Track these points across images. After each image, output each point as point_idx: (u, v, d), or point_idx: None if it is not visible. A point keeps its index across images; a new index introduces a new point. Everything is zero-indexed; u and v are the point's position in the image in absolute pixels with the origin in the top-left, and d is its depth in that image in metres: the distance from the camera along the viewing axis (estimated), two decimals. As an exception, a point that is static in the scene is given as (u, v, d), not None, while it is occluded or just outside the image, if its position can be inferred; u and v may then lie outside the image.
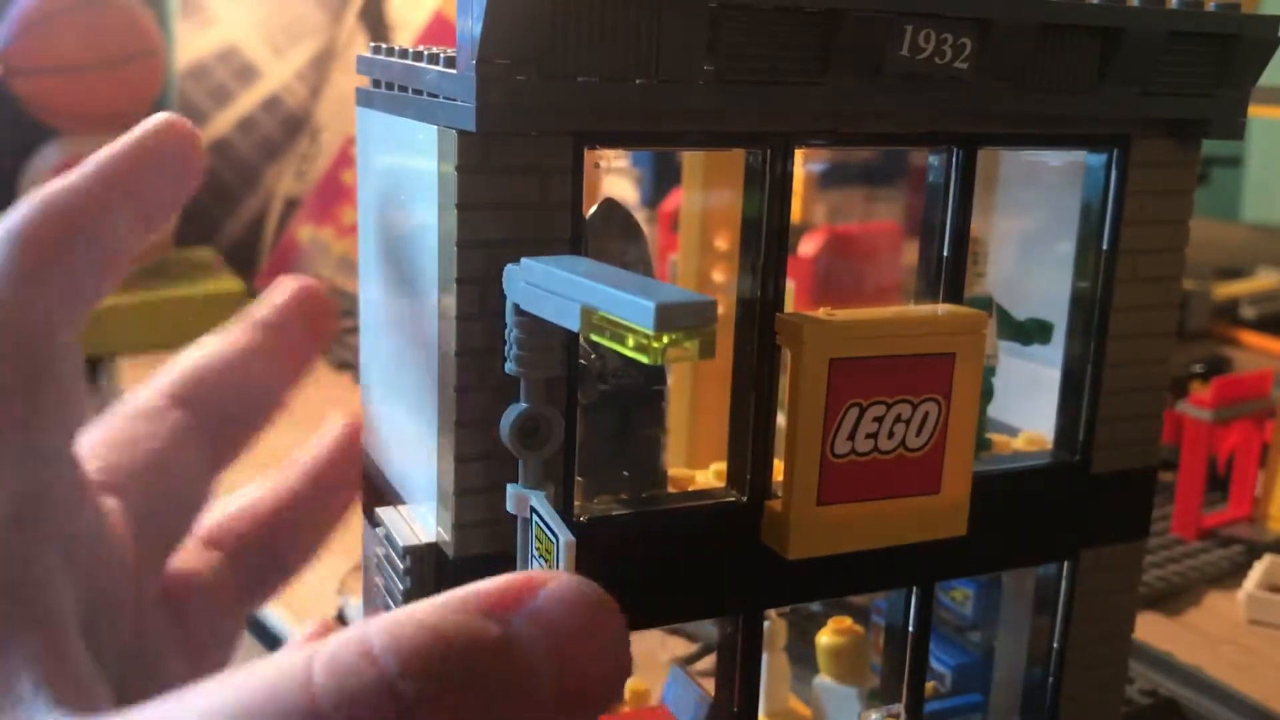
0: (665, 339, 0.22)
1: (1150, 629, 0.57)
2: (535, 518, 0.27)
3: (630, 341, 0.23)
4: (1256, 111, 0.72)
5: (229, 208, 1.24)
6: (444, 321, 0.27)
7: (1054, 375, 0.36)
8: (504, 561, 0.28)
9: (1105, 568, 0.37)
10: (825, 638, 0.40)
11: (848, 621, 0.41)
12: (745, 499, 0.31)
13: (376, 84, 0.32)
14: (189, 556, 0.32)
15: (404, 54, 0.30)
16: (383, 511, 0.31)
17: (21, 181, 1.06)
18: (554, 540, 0.26)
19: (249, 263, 1.23)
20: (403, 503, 0.32)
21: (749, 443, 0.31)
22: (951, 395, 0.31)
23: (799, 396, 0.29)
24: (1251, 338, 1.12)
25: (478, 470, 0.28)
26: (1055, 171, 0.38)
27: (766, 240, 0.30)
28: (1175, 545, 0.66)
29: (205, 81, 1.22)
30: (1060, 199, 0.37)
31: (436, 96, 0.27)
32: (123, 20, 1.04)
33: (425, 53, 0.29)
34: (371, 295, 0.34)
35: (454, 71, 0.27)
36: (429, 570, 0.29)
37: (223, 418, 0.32)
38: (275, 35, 1.25)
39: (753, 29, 0.28)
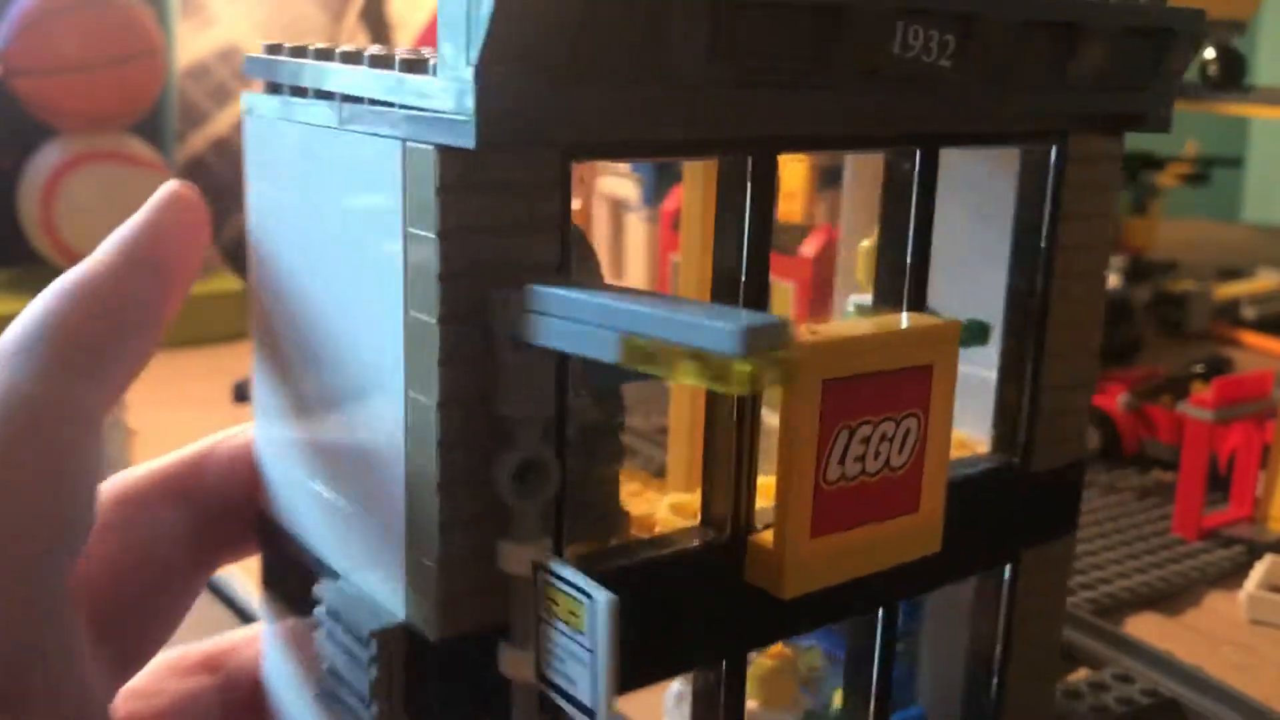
0: (750, 365, 0.20)
1: (1150, 629, 0.57)
2: (548, 577, 0.24)
3: (689, 369, 0.21)
4: (1256, 111, 0.72)
5: (229, 208, 1.24)
6: (415, 368, 0.24)
7: (966, 373, 0.36)
8: (495, 637, 0.25)
9: (1043, 565, 0.37)
10: (754, 663, 0.39)
11: (776, 646, 0.40)
12: (727, 537, 0.29)
13: (276, 88, 0.28)
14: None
15: (329, 55, 0.26)
16: (322, 588, 0.27)
17: (22, 181, 1.06)
18: (585, 600, 0.23)
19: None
20: (334, 577, 0.28)
21: (729, 476, 0.29)
22: (930, 408, 0.30)
23: (792, 422, 0.28)
24: (1252, 338, 1.12)
25: (466, 535, 0.24)
26: (970, 170, 0.37)
27: (750, 251, 0.28)
28: (1176, 545, 0.66)
29: (205, 81, 1.22)
30: (977, 199, 0.36)
31: (396, 106, 0.24)
32: (123, 20, 1.04)
33: (366, 54, 0.25)
34: (276, 338, 0.29)
35: (430, 78, 0.23)
36: (399, 656, 0.25)
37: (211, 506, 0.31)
38: (275, 35, 1.25)
39: (758, 29, 0.26)
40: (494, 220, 0.24)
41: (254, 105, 0.29)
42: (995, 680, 0.37)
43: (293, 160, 0.28)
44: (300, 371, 0.28)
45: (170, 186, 0.29)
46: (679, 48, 0.25)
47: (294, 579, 0.29)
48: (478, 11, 0.22)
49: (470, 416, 0.24)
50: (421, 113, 0.23)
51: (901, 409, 0.29)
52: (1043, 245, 0.34)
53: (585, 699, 0.23)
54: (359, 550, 0.27)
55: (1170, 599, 0.60)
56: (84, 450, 0.26)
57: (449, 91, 0.23)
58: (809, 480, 0.28)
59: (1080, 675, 0.52)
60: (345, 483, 0.27)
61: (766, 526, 0.29)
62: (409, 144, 0.23)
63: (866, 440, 0.29)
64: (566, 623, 0.24)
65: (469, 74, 0.22)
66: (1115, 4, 0.32)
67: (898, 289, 0.32)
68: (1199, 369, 0.92)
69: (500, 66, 0.22)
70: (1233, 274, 1.30)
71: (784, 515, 0.28)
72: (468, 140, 0.22)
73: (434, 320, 0.23)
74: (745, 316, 0.21)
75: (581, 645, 0.23)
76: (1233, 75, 0.71)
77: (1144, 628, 0.57)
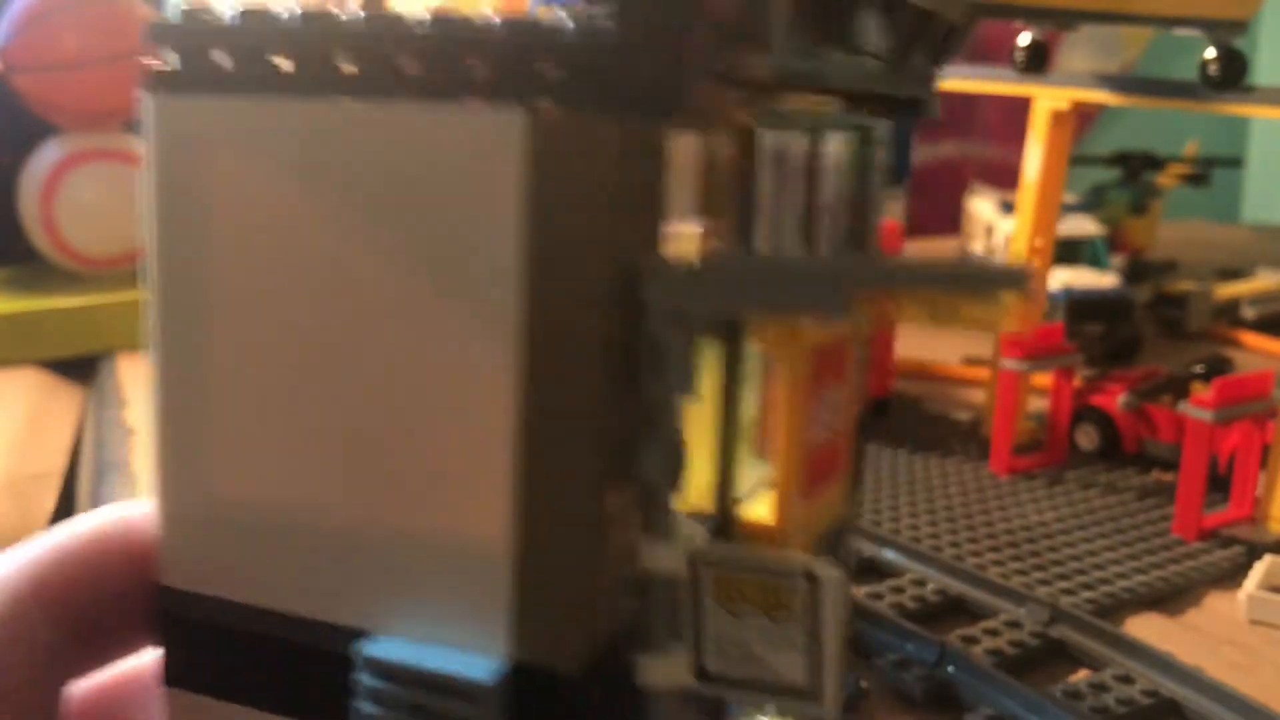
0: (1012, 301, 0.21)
1: (1150, 629, 0.57)
2: (723, 569, 0.23)
3: (937, 313, 0.21)
4: (1256, 112, 0.72)
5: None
6: (546, 363, 0.21)
7: None
8: (626, 649, 0.23)
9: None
10: None
11: None
12: (719, 520, 0.28)
13: (246, 59, 0.22)
14: None
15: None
16: (375, 647, 0.23)
17: (22, 178, 1.06)
18: (802, 582, 0.22)
19: (249, 260, 1.23)
20: (352, 636, 0.23)
21: (718, 456, 0.28)
22: (848, 378, 0.31)
23: (794, 390, 0.28)
24: (1252, 338, 1.12)
25: (603, 544, 0.22)
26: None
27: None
28: (1176, 545, 0.66)
29: (206, 79, 1.22)
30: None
31: (515, 74, 0.21)
32: (124, 17, 1.04)
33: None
34: (234, 365, 0.24)
35: (598, 37, 0.21)
36: (532, 699, 0.22)
37: None
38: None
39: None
40: (639, 192, 0.22)
41: (199, 75, 0.23)
42: None
43: (281, 140, 0.23)
44: (289, 398, 0.24)
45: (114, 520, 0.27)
46: (771, 20, 0.23)
47: (247, 658, 0.25)
48: None
49: (616, 409, 0.22)
50: (582, 76, 0.21)
51: (838, 377, 0.31)
52: (860, 223, 0.35)
53: (801, 681, 0.23)
54: (403, 594, 0.23)
55: (1170, 599, 0.60)
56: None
57: (634, 54, 0.21)
58: (803, 449, 0.29)
59: (1080, 675, 0.52)
60: (381, 518, 0.23)
61: (736, 501, 0.30)
62: (545, 110, 0.21)
63: (828, 409, 0.30)
64: (764, 611, 0.23)
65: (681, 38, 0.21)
66: None
67: None
68: (1199, 369, 0.92)
69: (702, 29, 0.21)
70: (1233, 274, 1.30)
71: (785, 485, 0.28)
72: (671, 104, 0.21)
73: (586, 306, 0.21)
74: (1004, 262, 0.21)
75: (790, 630, 0.23)
76: (1233, 75, 0.71)
77: (1144, 628, 0.57)
